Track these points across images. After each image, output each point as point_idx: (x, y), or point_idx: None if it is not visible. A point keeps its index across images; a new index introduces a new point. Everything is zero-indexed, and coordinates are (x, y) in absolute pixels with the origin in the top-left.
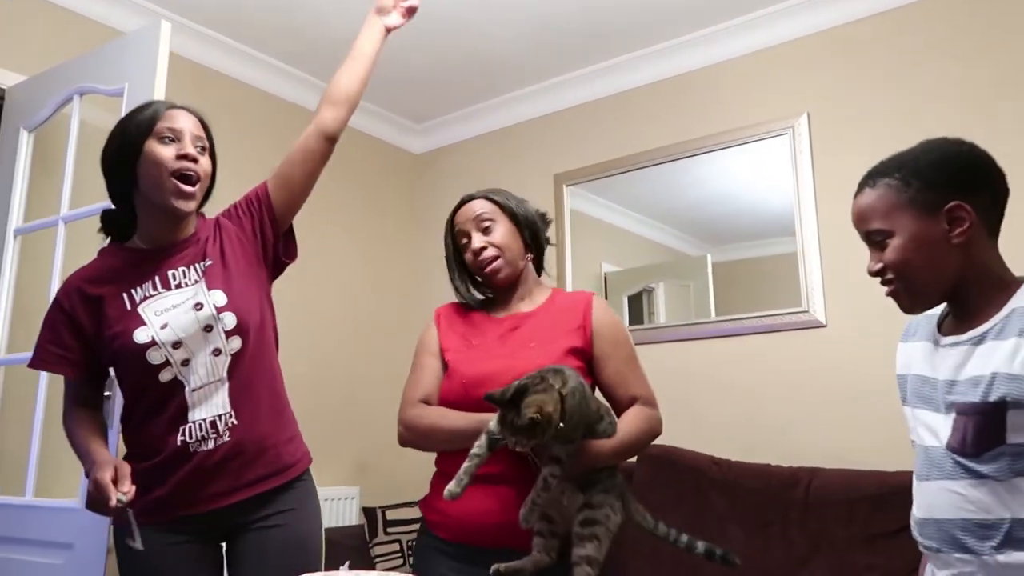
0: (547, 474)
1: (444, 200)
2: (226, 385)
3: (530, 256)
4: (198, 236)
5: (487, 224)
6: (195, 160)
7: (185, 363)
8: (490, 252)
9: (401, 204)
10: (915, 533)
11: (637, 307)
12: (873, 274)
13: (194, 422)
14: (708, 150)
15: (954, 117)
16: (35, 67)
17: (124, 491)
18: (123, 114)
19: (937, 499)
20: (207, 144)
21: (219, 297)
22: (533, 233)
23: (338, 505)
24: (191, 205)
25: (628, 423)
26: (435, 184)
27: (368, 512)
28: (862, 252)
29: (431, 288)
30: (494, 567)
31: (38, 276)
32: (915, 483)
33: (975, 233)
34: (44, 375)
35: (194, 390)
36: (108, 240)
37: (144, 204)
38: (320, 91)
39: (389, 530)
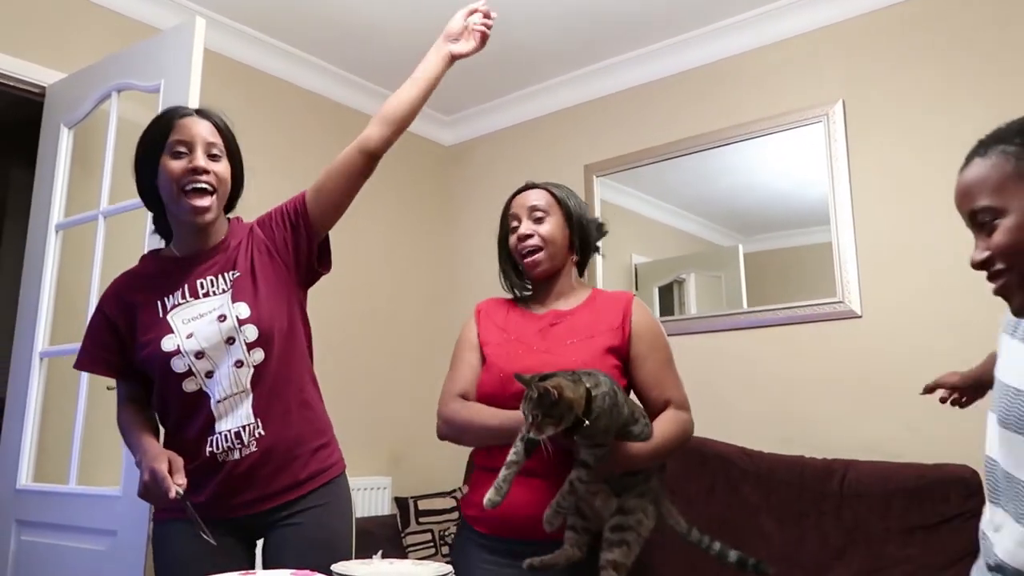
0: (574, 478)
1: (475, 192)
2: (250, 396)
3: (574, 257)
4: (228, 243)
5: (540, 215)
6: (205, 171)
7: (209, 375)
8: (534, 241)
9: (432, 196)
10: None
11: (668, 298)
12: (978, 265)
13: (220, 433)
14: (741, 139)
15: (994, 104)
16: (74, 65)
17: (180, 483)
18: (159, 109)
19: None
20: (223, 149)
21: (243, 309)
22: (583, 235)
23: (371, 495)
24: (207, 217)
25: (663, 427)
26: (465, 176)
27: (400, 502)
28: (898, 241)
29: (463, 280)
30: (527, 561)
31: (79, 270)
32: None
33: None
34: None
35: (219, 401)
36: (161, 241)
37: (170, 215)
38: (353, 86)
39: (421, 520)
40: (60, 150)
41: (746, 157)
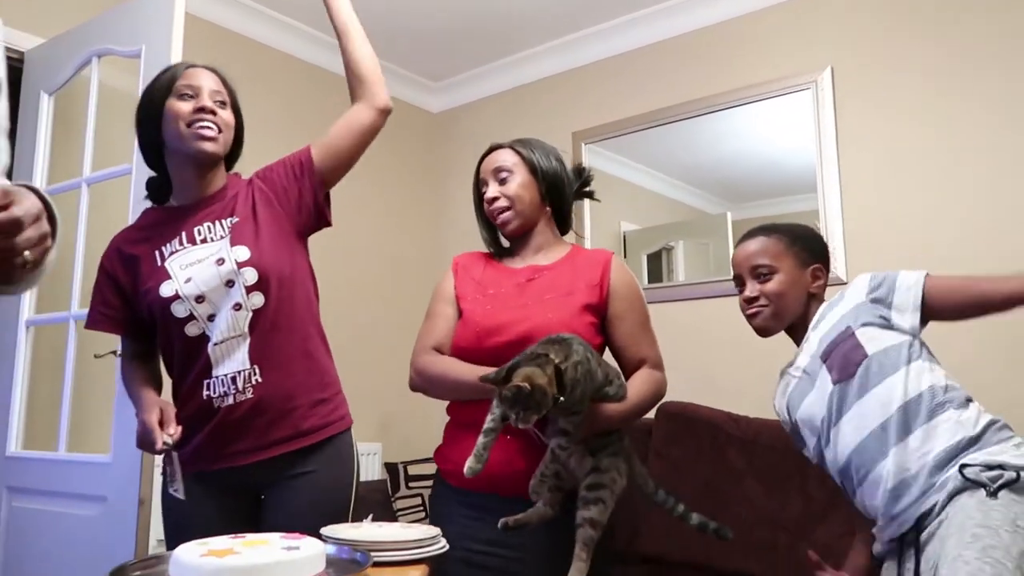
0: (555, 446)
1: (462, 159)
2: (247, 340)
3: (548, 210)
4: (226, 192)
5: (504, 175)
6: (212, 112)
7: (211, 318)
8: (501, 203)
9: (419, 164)
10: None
11: (656, 266)
12: (748, 299)
13: (217, 377)
14: (729, 106)
15: (984, 70)
16: (54, 29)
17: (170, 433)
18: (141, 75)
19: (845, 438)
20: (227, 99)
21: (242, 252)
22: (554, 188)
23: (362, 461)
24: (213, 147)
25: (637, 387)
26: (453, 143)
27: (391, 467)
28: (885, 208)
29: (451, 247)
30: (502, 521)
31: (63, 238)
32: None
33: (821, 290)
34: (72, 336)
35: (216, 344)
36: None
37: (173, 160)
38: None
39: (411, 484)
40: (41, 117)
41: (734, 124)
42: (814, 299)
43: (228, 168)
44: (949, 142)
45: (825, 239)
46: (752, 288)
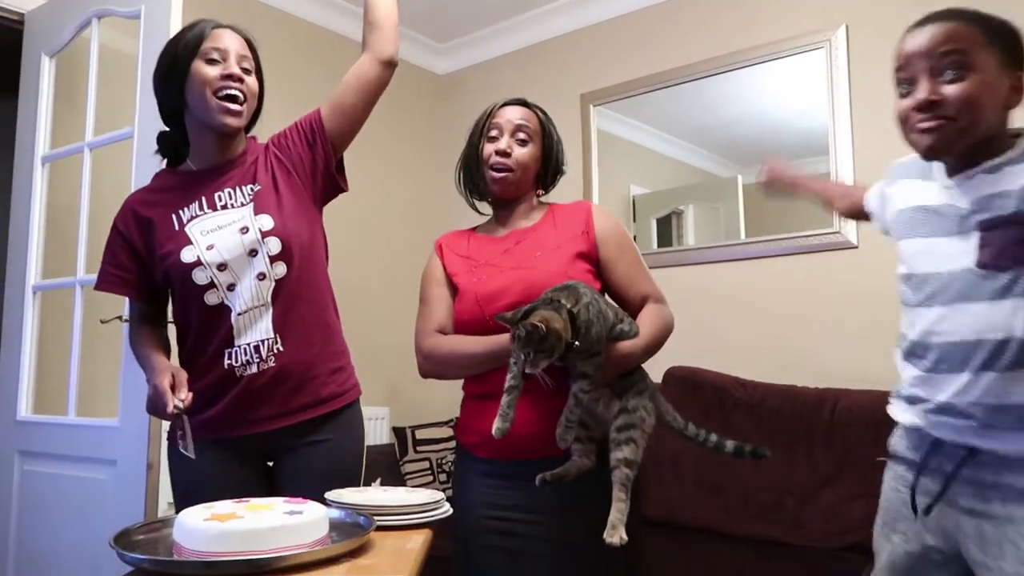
0: (576, 390)
1: (469, 121)
2: (270, 310)
3: (538, 190)
4: (245, 158)
5: (523, 137)
6: (240, 79)
7: (231, 287)
8: (509, 162)
9: (426, 126)
10: (904, 358)
11: (666, 230)
12: (925, 104)
13: (239, 346)
14: (740, 66)
15: None
16: None
17: (181, 398)
18: (140, 36)
19: (952, 321)
20: (253, 64)
21: (266, 221)
22: (553, 169)
23: (370, 425)
24: (238, 121)
25: (648, 321)
26: (460, 105)
27: (398, 432)
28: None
29: (457, 211)
30: (540, 476)
31: (68, 202)
32: (911, 310)
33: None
34: (78, 301)
35: (239, 314)
36: (163, 163)
37: (193, 123)
38: (343, 13)
39: (419, 448)
40: (42, 80)
41: (746, 85)
42: (1006, 118)
43: (248, 129)
44: None
45: None
46: (930, 88)
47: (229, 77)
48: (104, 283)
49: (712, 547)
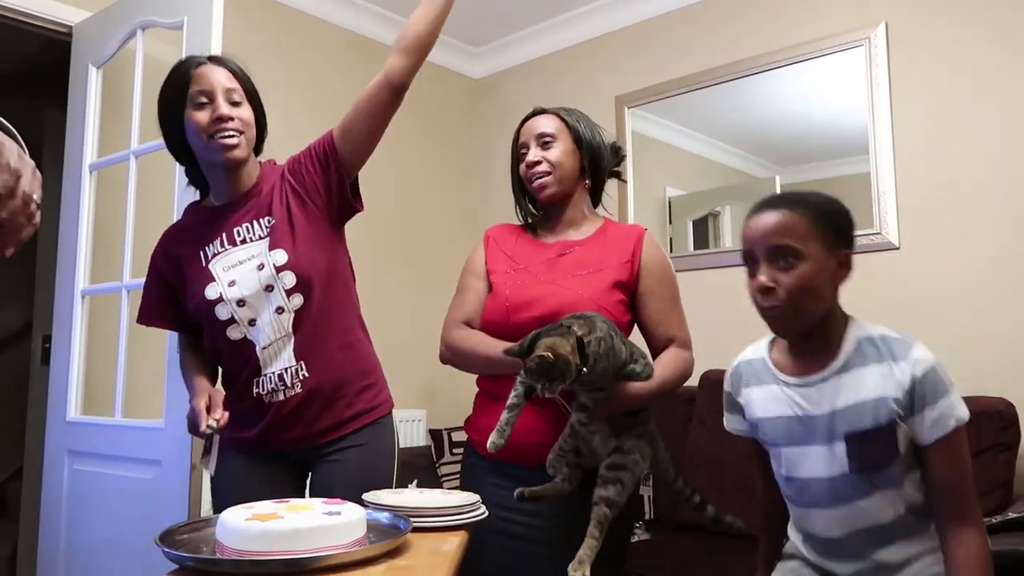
0: (574, 421)
1: (504, 125)
2: (292, 339)
3: (586, 183)
4: (260, 187)
5: (548, 140)
6: (230, 118)
7: (252, 323)
8: (542, 167)
9: (462, 130)
10: (807, 552)
11: (702, 231)
12: (763, 289)
13: (265, 375)
14: (777, 66)
15: None
16: (100, 3)
17: (216, 417)
18: (183, 47)
19: (848, 518)
20: (243, 94)
21: (280, 256)
22: (594, 160)
23: (407, 427)
24: (239, 152)
25: (664, 366)
26: (495, 109)
27: (435, 434)
28: (938, 171)
29: (491, 215)
30: (517, 491)
31: (115, 209)
32: (800, 511)
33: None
34: (124, 305)
35: (264, 348)
36: (196, 193)
37: (202, 162)
38: (382, 20)
39: (455, 451)
40: (90, 90)
41: (783, 85)
42: (837, 292)
43: (258, 151)
44: (1010, 102)
45: (873, 202)
46: (768, 275)
47: (219, 120)
48: (144, 317)
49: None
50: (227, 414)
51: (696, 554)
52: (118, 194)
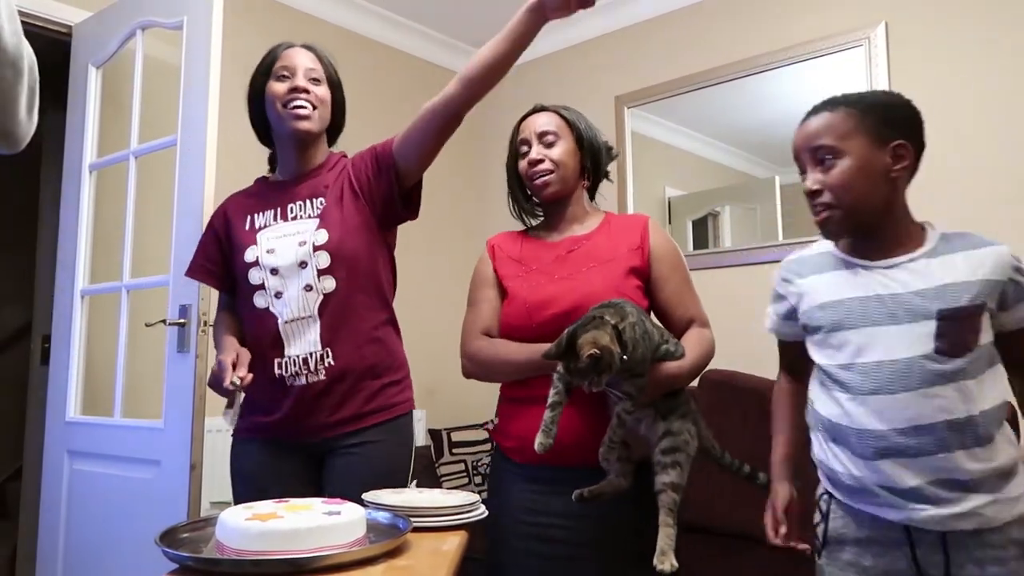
0: (620, 411)
1: (503, 125)
2: (317, 324)
3: (585, 183)
4: (323, 170)
5: (551, 139)
6: (305, 90)
7: (278, 295)
8: (546, 165)
9: (460, 130)
10: (852, 467)
11: (702, 232)
12: (810, 193)
13: (289, 357)
14: (776, 66)
15: None
16: (100, 3)
17: (240, 375)
18: (183, 47)
19: (916, 407)
20: (323, 75)
21: (322, 236)
22: (594, 159)
23: None
24: (308, 124)
25: (693, 344)
26: (495, 109)
27: (434, 434)
28: (938, 170)
29: (493, 214)
30: (576, 492)
31: (114, 209)
32: (857, 403)
33: (906, 173)
34: (124, 305)
35: (286, 322)
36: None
37: (277, 138)
38: (382, 20)
39: (454, 451)
40: (89, 90)
41: (783, 85)
42: (898, 185)
43: (332, 142)
44: (1011, 102)
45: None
46: (813, 178)
47: (295, 90)
48: (192, 271)
49: (753, 554)
50: (251, 375)
51: (705, 555)
52: (118, 194)
